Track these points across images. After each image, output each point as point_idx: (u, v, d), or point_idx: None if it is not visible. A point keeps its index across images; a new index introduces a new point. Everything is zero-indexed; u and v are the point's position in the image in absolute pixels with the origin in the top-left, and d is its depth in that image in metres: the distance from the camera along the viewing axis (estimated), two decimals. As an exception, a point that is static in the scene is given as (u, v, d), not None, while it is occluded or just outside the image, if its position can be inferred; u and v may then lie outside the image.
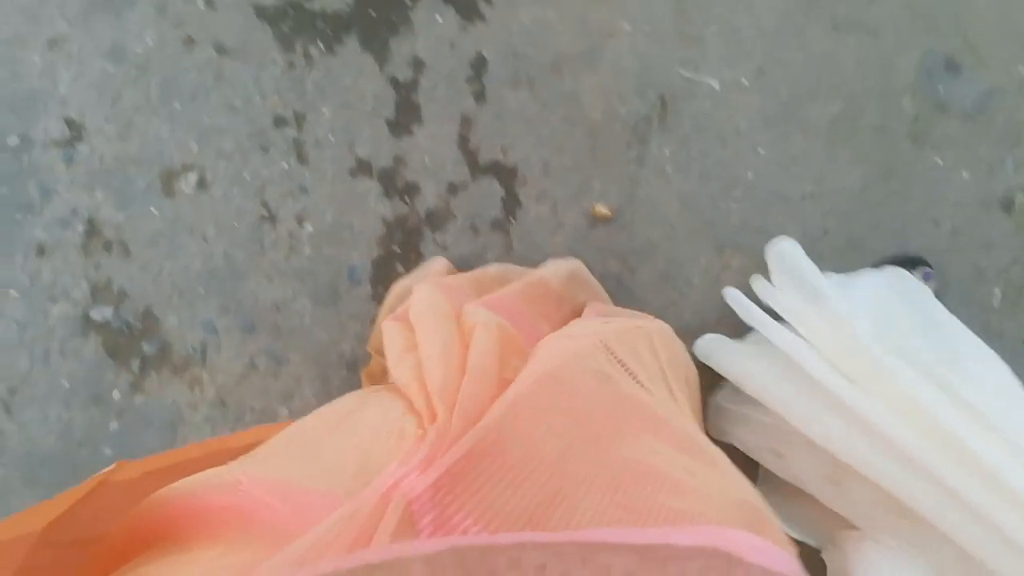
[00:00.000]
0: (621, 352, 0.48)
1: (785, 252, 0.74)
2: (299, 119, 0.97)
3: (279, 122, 0.97)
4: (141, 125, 0.97)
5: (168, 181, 0.97)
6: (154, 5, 0.97)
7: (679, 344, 0.66)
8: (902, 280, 0.82)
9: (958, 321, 0.76)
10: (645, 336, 0.56)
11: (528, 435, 0.36)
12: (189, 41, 0.97)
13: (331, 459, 0.38)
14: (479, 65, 0.97)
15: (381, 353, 0.60)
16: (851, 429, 0.61)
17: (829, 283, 0.70)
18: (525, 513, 0.32)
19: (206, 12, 0.97)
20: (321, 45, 0.97)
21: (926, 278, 0.92)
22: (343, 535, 0.28)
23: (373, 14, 0.97)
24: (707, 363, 0.80)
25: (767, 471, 0.77)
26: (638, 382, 0.47)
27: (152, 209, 0.97)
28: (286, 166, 0.97)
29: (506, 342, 0.47)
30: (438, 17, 0.97)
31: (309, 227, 0.97)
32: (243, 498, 0.35)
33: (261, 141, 0.97)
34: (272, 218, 0.97)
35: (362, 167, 0.97)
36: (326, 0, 0.97)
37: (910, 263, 0.93)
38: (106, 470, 0.38)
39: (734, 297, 0.76)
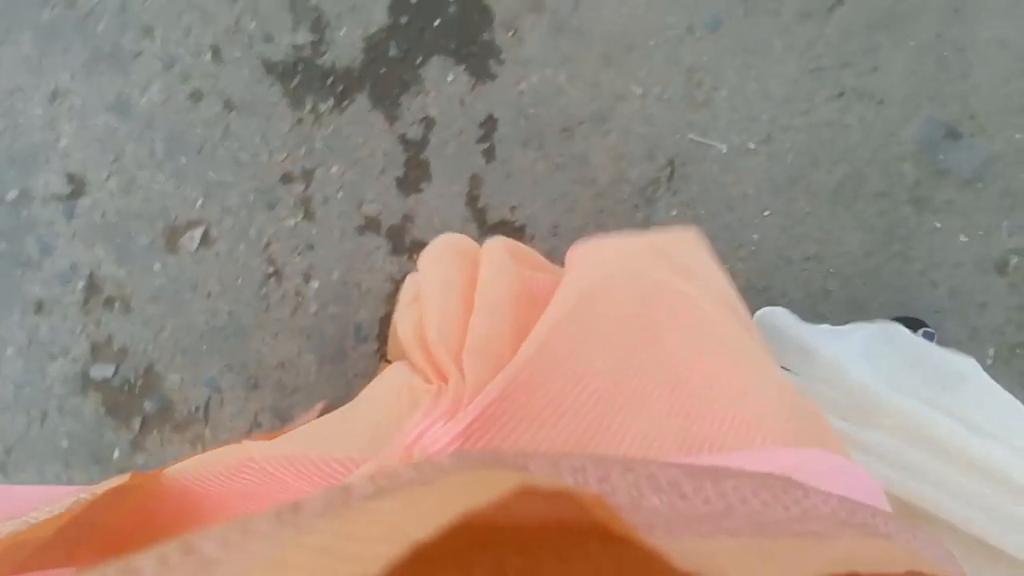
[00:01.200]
0: (672, 252, 0.44)
1: (765, 316, 0.75)
2: (307, 176, 0.96)
3: (287, 178, 0.96)
4: (145, 180, 0.96)
5: (172, 237, 0.96)
6: (160, 58, 0.96)
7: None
8: (893, 329, 0.83)
9: (955, 354, 0.76)
10: (696, 244, 0.51)
11: (572, 359, 0.33)
12: (196, 95, 0.96)
13: (345, 429, 0.36)
14: (489, 124, 0.97)
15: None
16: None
17: (818, 332, 0.71)
18: (570, 442, 0.30)
19: (214, 66, 0.96)
20: (331, 101, 0.96)
21: (927, 339, 0.93)
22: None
23: (383, 71, 0.97)
24: None
25: None
26: (686, 279, 0.43)
27: (155, 265, 0.96)
28: (293, 223, 0.96)
29: (520, 258, 0.43)
30: (449, 75, 0.97)
31: (316, 284, 0.96)
32: (255, 474, 0.33)
33: (268, 197, 0.96)
34: (278, 275, 0.96)
35: (370, 224, 0.96)
36: (336, 56, 0.97)
37: (911, 325, 0.95)
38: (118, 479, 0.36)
39: None
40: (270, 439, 0.40)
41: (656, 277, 0.40)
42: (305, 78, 0.97)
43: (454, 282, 0.39)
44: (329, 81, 0.97)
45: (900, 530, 0.24)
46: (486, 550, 0.17)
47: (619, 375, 0.33)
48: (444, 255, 0.42)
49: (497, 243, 0.42)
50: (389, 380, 0.38)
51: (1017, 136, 0.97)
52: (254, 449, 0.34)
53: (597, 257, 0.40)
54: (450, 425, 0.29)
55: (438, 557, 0.15)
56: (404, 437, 0.29)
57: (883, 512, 0.25)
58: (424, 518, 0.12)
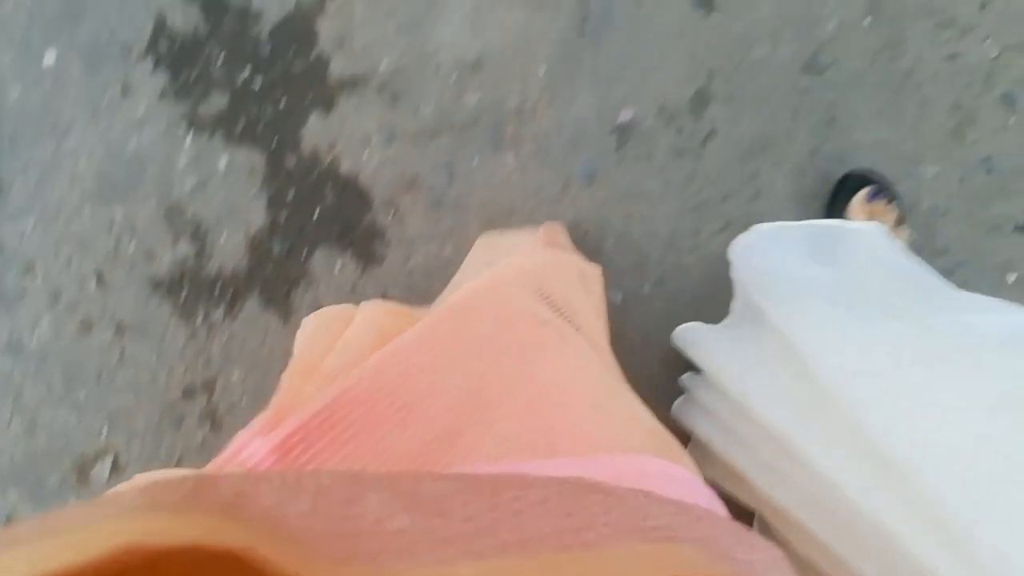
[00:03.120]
0: (548, 282, 0.47)
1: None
2: (209, 386, 0.95)
3: (189, 393, 0.95)
4: (47, 418, 0.95)
5: (82, 470, 0.95)
6: (46, 293, 0.95)
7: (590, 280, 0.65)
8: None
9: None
10: (575, 270, 0.55)
11: (424, 372, 0.34)
12: (86, 325, 0.95)
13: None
14: (384, 306, 0.96)
15: None
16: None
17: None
18: (411, 453, 0.30)
19: (100, 293, 0.95)
20: (222, 309, 0.96)
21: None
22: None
23: (271, 270, 0.96)
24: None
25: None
26: (559, 311, 0.46)
27: (70, 500, 0.94)
28: (201, 436, 0.95)
29: (403, 316, 0.44)
30: (337, 264, 0.96)
31: (234, 494, 0.94)
32: None
33: (173, 415, 0.95)
34: (195, 491, 0.94)
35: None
36: (221, 262, 0.96)
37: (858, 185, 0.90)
38: None
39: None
40: None
41: (520, 306, 0.42)
42: (193, 290, 0.96)
43: (324, 332, 0.40)
44: (217, 289, 0.96)
45: (717, 535, 0.24)
46: None
47: (476, 388, 0.34)
48: (319, 315, 0.44)
49: (372, 304, 0.44)
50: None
51: (911, 237, 0.96)
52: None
53: (468, 287, 0.42)
54: (269, 437, 0.29)
55: None
56: (222, 455, 0.29)
57: (694, 515, 0.24)
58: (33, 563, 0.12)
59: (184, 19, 0.92)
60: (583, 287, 0.57)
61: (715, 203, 0.94)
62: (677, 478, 0.31)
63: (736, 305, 0.80)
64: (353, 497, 0.19)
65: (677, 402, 0.85)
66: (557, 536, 0.20)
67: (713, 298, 0.95)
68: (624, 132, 0.93)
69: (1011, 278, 0.97)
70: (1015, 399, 0.47)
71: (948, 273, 0.98)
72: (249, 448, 0.29)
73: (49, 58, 0.93)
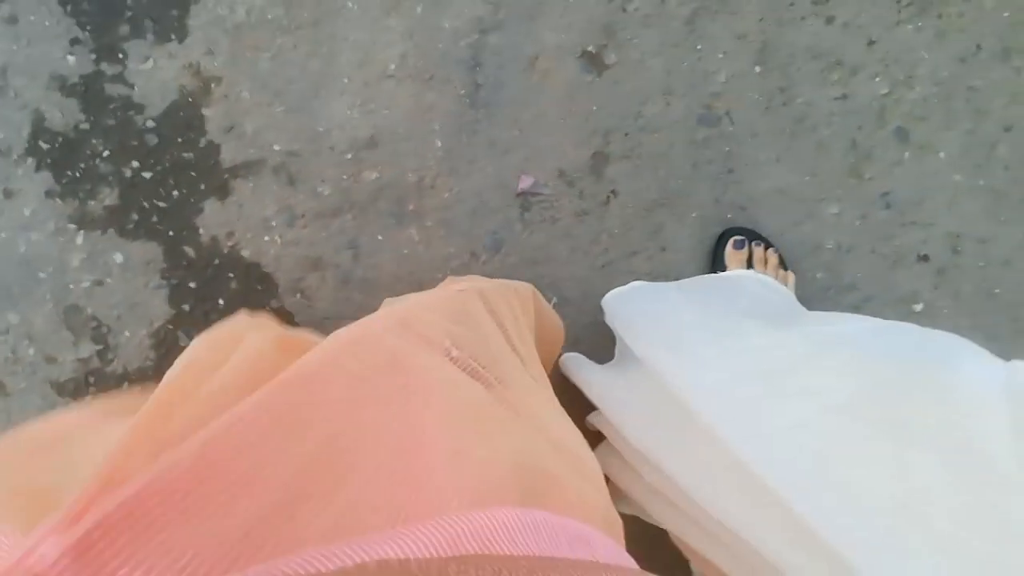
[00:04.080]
0: (423, 329, 0.44)
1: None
2: (124, 488, 0.92)
3: (103, 497, 0.92)
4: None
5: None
6: (-57, 407, 0.92)
7: (523, 299, 0.64)
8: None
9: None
10: (475, 297, 0.52)
11: (264, 442, 0.31)
12: (-11, 437, 0.92)
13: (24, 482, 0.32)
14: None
15: None
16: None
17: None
18: (234, 539, 0.28)
19: (2, 401, 0.92)
20: (131, 407, 0.93)
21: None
22: None
23: (179, 363, 0.93)
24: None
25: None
26: (431, 348, 0.43)
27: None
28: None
29: (281, 351, 0.42)
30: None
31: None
32: None
33: (88, 521, 0.92)
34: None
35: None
36: (127, 360, 0.93)
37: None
38: None
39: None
40: None
41: (395, 350, 0.40)
42: (99, 390, 0.93)
43: (199, 362, 0.38)
44: (125, 387, 0.93)
45: None
46: None
47: (324, 455, 0.32)
48: (205, 339, 0.41)
49: (258, 336, 0.42)
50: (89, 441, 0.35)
51: (819, 275, 0.98)
52: None
53: (330, 338, 0.40)
54: (66, 535, 0.26)
55: None
56: (20, 547, 0.26)
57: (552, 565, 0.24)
58: None
59: (63, 115, 0.89)
60: (515, 308, 0.56)
61: (622, 260, 0.94)
62: (529, 524, 0.30)
63: (617, 348, 0.82)
64: None
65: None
66: None
67: (628, 356, 0.95)
68: (526, 198, 0.92)
69: (918, 308, 0.99)
70: (861, 397, 0.50)
71: (857, 308, 1.00)
72: (39, 550, 0.26)
73: (-75, 164, 0.90)
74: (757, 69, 0.96)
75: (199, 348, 0.42)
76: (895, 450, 0.46)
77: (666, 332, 0.68)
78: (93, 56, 0.90)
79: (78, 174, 0.89)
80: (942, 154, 0.99)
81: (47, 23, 0.90)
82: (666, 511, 0.65)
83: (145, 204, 0.90)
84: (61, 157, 0.89)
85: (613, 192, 0.94)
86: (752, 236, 0.93)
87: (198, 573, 0.27)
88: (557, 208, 0.93)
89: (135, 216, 0.90)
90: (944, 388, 0.48)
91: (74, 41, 0.90)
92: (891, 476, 0.45)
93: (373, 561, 0.25)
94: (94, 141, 0.90)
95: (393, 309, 0.45)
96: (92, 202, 0.89)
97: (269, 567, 0.27)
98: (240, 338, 0.43)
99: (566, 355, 0.85)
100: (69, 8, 0.90)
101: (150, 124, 0.90)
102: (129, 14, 0.90)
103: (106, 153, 0.90)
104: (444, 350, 0.44)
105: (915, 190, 0.98)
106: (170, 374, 0.38)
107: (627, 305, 0.79)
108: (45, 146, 0.89)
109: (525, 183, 0.92)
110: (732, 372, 0.58)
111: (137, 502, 0.28)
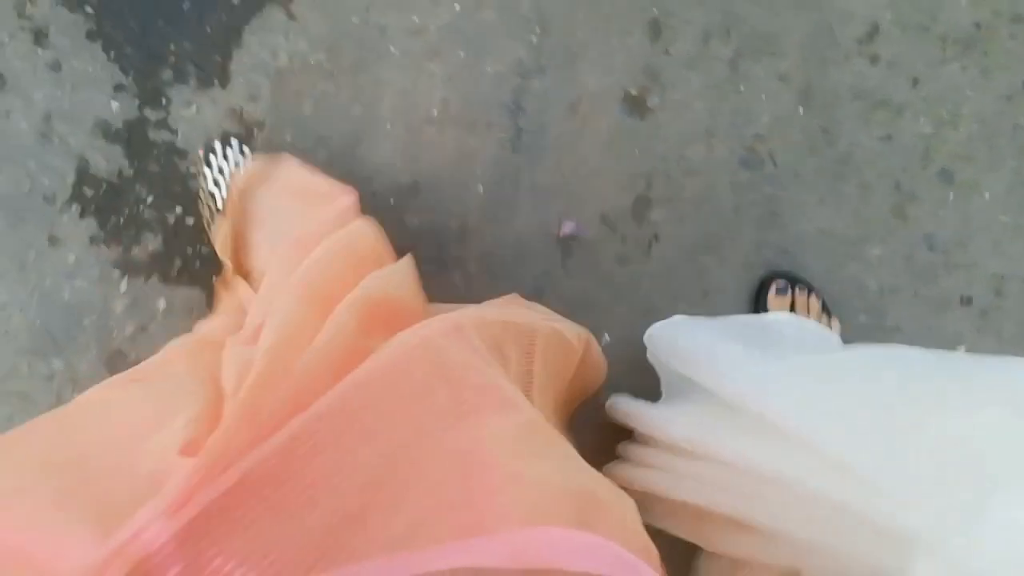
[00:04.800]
0: (477, 340, 0.46)
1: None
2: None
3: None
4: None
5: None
6: (-11, 450, 0.92)
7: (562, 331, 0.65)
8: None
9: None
10: (524, 330, 0.54)
11: (334, 449, 0.33)
12: (34, 480, 0.92)
13: (76, 471, 0.35)
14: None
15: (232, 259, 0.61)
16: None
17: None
18: (316, 540, 0.29)
19: None
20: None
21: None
22: None
23: (221, 406, 0.94)
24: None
25: None
26: (487, 364, 0.45)
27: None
28: None
29: (373, 317, 0.44)
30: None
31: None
32: None
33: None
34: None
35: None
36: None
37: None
38: None
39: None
40: None
41: (459, 362, 0.41)
42: (142, 434, 0.93)
43: (295, 327, 0.40)
44: (167, 431, 0.93)
45: None
46: None
47: (390, 465, 0.34)
48: (297, 290, 0.44)
49: (356, 302, 0.44)
50: (161, 417, 0.37)
51: (862, 318, 0.97)
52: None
53: (392, 347, 0.41)
54: (171, 521, 0.28)
55: None
56: (122, 535, 0.28)
57: None
58: None
59: (107, 162, 0.89)
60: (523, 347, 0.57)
61: (665, 305, 0.93)
62: (585, 546, 0.31)
63: (663, 385, 0.83)
64: None
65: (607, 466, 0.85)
66: None
67: (670, 401, 0.95)
68: (568, 244, 0.92)
69: (961, 350, 0.98)
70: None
71: (900, 350, 0.99)
72: (152, 530, 0.28)
73: (-29, 210, 0.90)
74: (800, 110, 0.95)
75: (294, 312, 0.44)
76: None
77: (714, 352, 0.70)
78: (137, 102, 0.90)
79: (122, 220, 0.90)
80: (987, 194, 0.98)
81: (90, 69, 0.90)
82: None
83: (189, 250, 0.90)
84: (105, 203, 0.90)
85: (655, 236, 0.93)
86: (795, 280, 0.92)
87: (282, 570, 0.28)
88: (599, 253, 0.92)
89: (178, 262, 0.90)
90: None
91: (118, 87, 0.90)
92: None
93: (449, 570, 0.26)
94: (138, 187, 0.90)
95: (448, 315, 0.47)
96: (136, 248, 0.90)
97: (356, 570, 0.28)
98: (334, 294, 0.45)
99: (613, 398, 0.84)
100: (113, 54, 0.90)
101: (193, 170, 0.90)
102: (172, 59, 0.90)
103: (150, 199, 0.90)
104: (496, 366, 0.45)
105: (959, 231, 0.97)
106: (268, 338, 0.41)
107: (672, 333, 0.79)
108: (89, 192, 0.89)
109: (567, 228, 0.91)
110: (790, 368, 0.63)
111: (235, 494, 0.29)
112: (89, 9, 0.90)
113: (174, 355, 0.57)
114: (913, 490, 0.45)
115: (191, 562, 0.27)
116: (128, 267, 0.90)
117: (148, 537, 0.28)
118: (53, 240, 0.89)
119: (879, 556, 0.47)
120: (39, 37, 0.90)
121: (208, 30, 0.90)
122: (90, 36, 0.90)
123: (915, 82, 0.97)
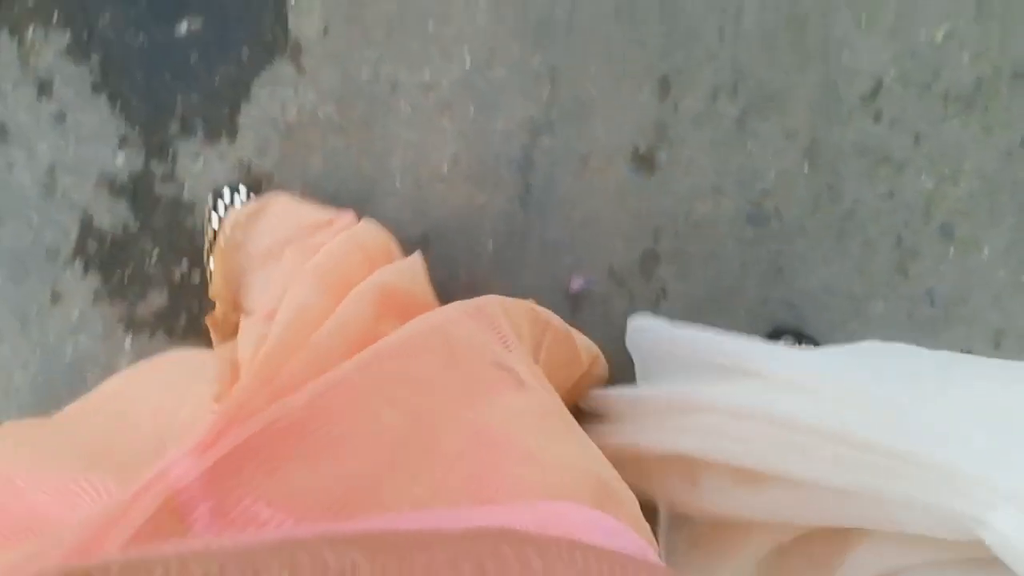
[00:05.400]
0: (497, 318, 0.47)
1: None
2: None
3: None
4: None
5: None
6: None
7: (574, 339, 0.68)
8: None
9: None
10: (540, 319, 0.57)
11: (363, 406, 0.34)
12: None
13: (102, 441, 0.36)
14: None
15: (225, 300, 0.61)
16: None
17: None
18: (336, 494, 0.30)
19: (46, 502, 0.91)
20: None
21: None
22: (84, 536, 0.25)
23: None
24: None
25: None
26: (507, 347, 0.46)
27: None
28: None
29: (386, 305, 0.44)
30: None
31: None
32: (15, 498, 0.33)
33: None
34: None
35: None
36: (173, 458, 0.93)
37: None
38: None
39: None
40: None
41: (478, 342, 0.42)
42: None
43: (310, 309, 0.41)
44: (171, 486, 0.92)
45: None
46: None
47: (412, 429, 0.34)
48: (312, 278, 0.44)
49: (371, 287, 0.45)
50: (189, 379, 0.39)
51: (866, 372, 0.98)
52: (16, 469, 0.34)
53: (416, 322, 0.42)
54: (201, 460, 0.29)
55: None
56: (152, 472, 0.28)
57: (619, 563, 0.25)
58: None
59: (112, 217, 0.88)
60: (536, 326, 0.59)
61: (672, 360, 0.94)
62: (604, 527, 0.31)
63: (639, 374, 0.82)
64: None
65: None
66: None
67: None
68: (577, 299, 0.92)
69: (961, 402, 1.00)
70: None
71: (902, 402, 1.00)
72: (181, 467, 0.28)
73: (-30, 266, 0.89)
74: (806, 167, 0.96)
75: (309, 296, 0.45)
76: None
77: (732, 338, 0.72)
78: (143, 155, 0.89)
79: (127, 275, 0.89)
80: (986, 250, 0.99)
81: (95, 121, 0.89)
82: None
83: (194, 306, 0.89)
84: (110, 259, 0.88)
85: (663, 291, 0.94)
86: (799, 336, 0.93)
87: (308, 514, 0.29)
88: (608, 308, 0.93)
89: (184, 318, 0.89)
90: None
91: (123, 140, 0.89)
92: None
93: (486, 527, 0.26)
94: (143, 242, 0.89)
95: (470, 300, 0.49)
96: (141, 305, 0.89)
97: (381, 520, 0.29)
98: (348, 282, 0.46)
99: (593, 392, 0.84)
100: (118, 106, 0.89)
101: (199, 225, 0.89)
102: (179, 112, 0.90)
103: (155, 254, 0.89)
104: (505, 342, 0.47)
105: (959, 286, 0.99)
106: (285, 315, 0.42)
107: (663, 324, 0.81)
108: (93, 247, 0.88)
109: (576, 284, 0.92)
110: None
111: (261, 438, 0.30)
112: (94, 60, 0.89)
113: (184, 353, 0.59)
114: (992, 441, 0.45)
115: (220, 500, 0.27)
116: (133, 323, 0.89)
117: (178, 474, 0.28)
118: (56, 296, 0.88)
119: (948, 502, 0.45)
120: (43, 88, 0.88)
121: (216, 82, 0.90)
122: (95, 88, 0.89)
123: (917, 138, 0.99)
